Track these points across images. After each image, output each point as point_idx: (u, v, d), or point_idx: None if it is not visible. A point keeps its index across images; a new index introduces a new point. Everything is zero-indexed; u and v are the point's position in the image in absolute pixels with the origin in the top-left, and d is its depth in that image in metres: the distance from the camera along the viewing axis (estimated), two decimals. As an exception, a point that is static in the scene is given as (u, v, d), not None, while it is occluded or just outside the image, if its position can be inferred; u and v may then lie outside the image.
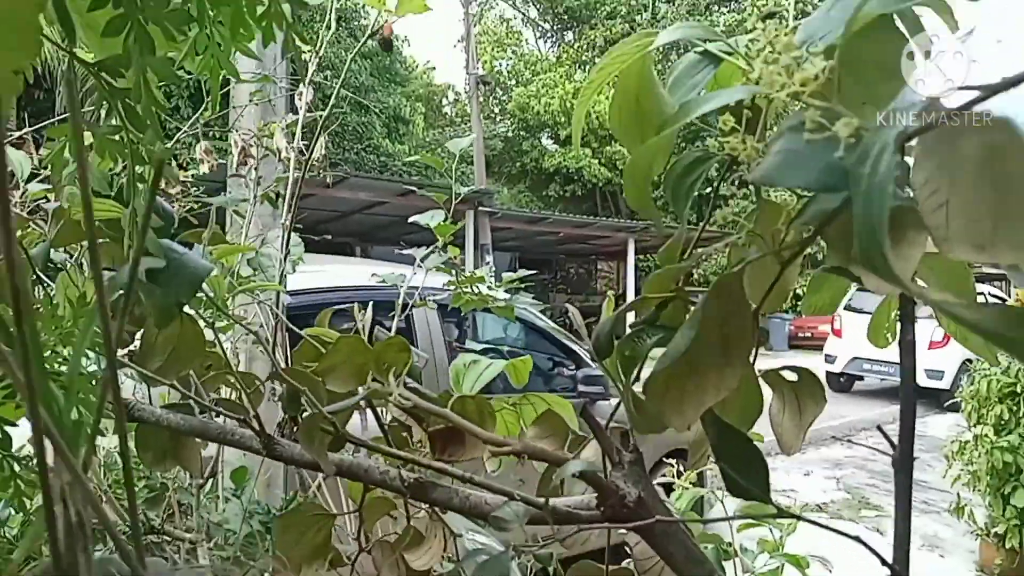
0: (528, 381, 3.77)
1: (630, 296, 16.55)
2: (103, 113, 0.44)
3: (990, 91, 0.31)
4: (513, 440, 0.72)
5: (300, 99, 1.44)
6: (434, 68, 24.93)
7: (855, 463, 6.58)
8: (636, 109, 0.45)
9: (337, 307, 1.10)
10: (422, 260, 1.56)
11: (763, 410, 0.50)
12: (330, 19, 1.36)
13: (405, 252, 1.77)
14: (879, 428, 0.57)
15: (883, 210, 0.29)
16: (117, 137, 0.45)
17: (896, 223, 0.40)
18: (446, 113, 23.66)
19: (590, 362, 4.14)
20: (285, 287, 1.27)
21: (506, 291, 1.92)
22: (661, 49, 0.46)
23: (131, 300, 0.40)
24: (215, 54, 0.54)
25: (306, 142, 1.47)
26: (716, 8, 20.20)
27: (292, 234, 1.47)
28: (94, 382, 0.50)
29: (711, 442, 0.45)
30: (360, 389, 0.73)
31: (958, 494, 4.02)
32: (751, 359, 0.45)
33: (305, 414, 0.69)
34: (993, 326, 0.30)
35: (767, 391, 0.51)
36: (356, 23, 16.17)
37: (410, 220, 1.51)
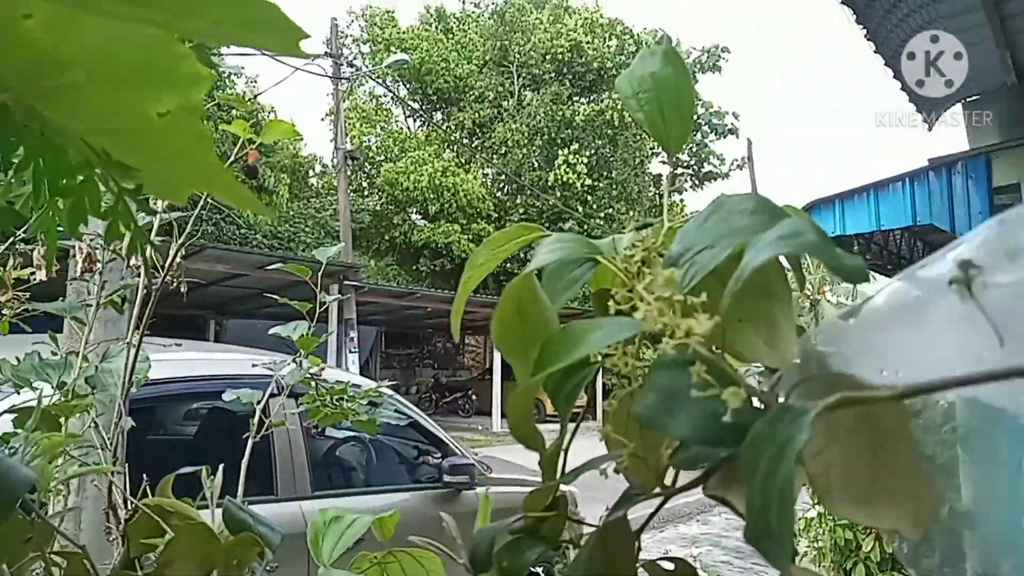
0: (388, 468, 3.59)
1: (496, 371, 16.60)
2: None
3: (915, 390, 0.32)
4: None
5: (156, 201, 1.34)
6: (302, 139, 24.62)
7: (711, 539, 6.79)
8: (520, 324, 0.43)
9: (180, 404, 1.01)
10: (279, 371, 1.48)
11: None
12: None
13: (271, 332, 1.67)
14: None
15: (786, 521, 0.28)
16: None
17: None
18: (312, 184, 23.30)
19: (456, 450, 4.06)
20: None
21: (368, 402, 1.85)
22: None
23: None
24: (53, 213, 0.48)
25: (164, 238, 1.38)
26: (578, 98, 21.36)
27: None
28: None
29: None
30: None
31: (806, 569, 4.22)
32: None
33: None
34: None
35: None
36: (220, 92, 15.79)
37: (270, 332, 1.43)
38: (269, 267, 1.83)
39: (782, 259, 0.43)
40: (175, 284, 1.38)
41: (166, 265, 1.38)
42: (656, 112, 0.52)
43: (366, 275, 16.59)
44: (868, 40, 4.59)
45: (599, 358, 0.42)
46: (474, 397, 18.92)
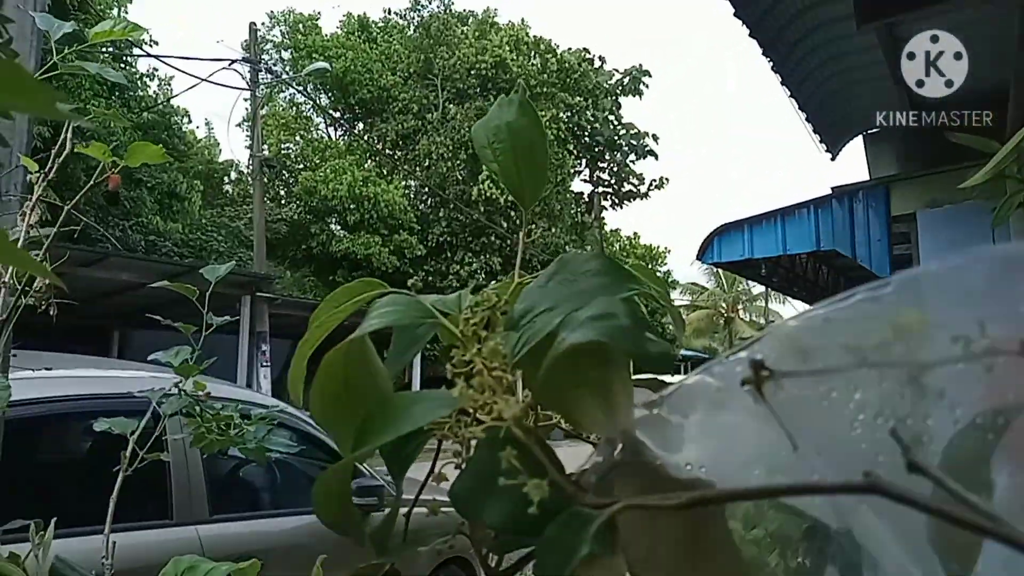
0: (294, 489, 3.48)
1: (415, 386, 16.42)
2: None
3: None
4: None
5: (23, 219, 1.26)
6: (217, 145, 23.91)
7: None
8: (344, 389, 0.41)
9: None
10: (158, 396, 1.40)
11: None
12: (65, 137, 1.22)
13: (150, 359, 1.59)
14: None
15: None
16: None
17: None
18: (227, 192, 22.60)
19: (364, 471, 3.97)
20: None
21: (262, 427, 1.78)
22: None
23: None
24: None
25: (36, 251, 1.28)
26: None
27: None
28: None
29: None
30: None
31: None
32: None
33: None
34: None
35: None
36: (132, 93, 15.18)
37: (149, 359, 1.36)
38: (154, 284, 1.75)
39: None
40: (43, 306, 1.29)
41: (39, 286, 1.29)
42: (511, 163, 0.51)
43: (281, 286, 16.18)
44: (774, 72, 4.79)
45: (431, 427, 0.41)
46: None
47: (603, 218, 23.33)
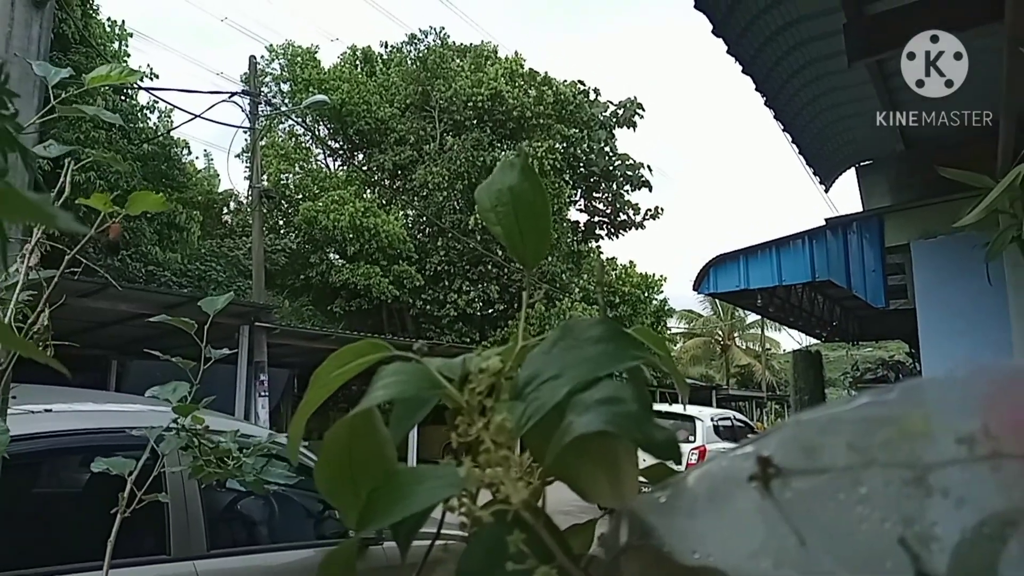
0: (292, 523, 3.44)
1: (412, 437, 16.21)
2: None
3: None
4: None
5: (23, 261, 1.28)
6: (216, 176, 24.04)
7: None
8: (348, 462, 0.42)
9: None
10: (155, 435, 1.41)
11: None
12: (64, 183, 1.25)
13: (148, 394, 1.60)
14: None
15: None
16: None
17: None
18: (226, 222, 22.65)
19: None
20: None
21: (259, 456, 1.79)
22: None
23: None
24: None
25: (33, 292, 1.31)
26: (499, 144, 21.67)
27: None
28: None
29: None
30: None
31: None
32: None
33: None
34: None
35: None
36: (132, 126, 15.29)
37: (146, 394, 1.37)
38: (153, 319, 1.75)
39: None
40: (41, 347, 1.31)
41: (38, 326, 1.31)
42: (513, 226, 0.52)
43: (279, 316, 16.15)
44: (767, 107, 4.85)
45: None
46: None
47: (604, 265, 23.30)
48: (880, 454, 0.31)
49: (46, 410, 2.76)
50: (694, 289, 7.13)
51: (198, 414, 1.50)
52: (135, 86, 14.08)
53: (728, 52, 4.05)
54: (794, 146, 5.67)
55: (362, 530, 0.38)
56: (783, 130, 5.37)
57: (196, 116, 9.61)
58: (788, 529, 0.32)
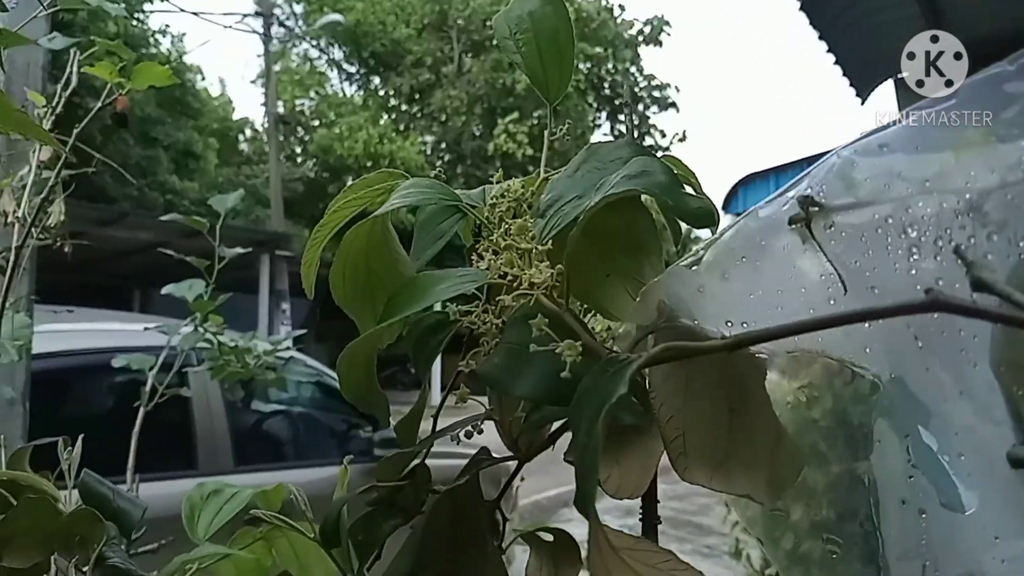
0: (317, 442, 3.58)
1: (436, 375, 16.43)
2: None
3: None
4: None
5: (34, 156, 1.21)
6: (231, 103, 23.77)
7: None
8: (365, 272, 0.41)
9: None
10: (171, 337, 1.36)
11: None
12: (70, 74, 1.17)
13: (164, 292, 1.56)
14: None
15: (592, 475, 0.27)
16: None
17: (633, 433, 0.38)
18: (242, 150, 22.51)
19: (387, 423, 3.99)
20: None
21: (279, 356, 1.76)
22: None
23: None
24: None
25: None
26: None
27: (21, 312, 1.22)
28: None
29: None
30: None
31: (736, 538, 4.29)
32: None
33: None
34: None
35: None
36: (144, 51, 15.06)
37: (163, 291, 1.33)
38: (164, 218, 1.72)
39: (653, 213, 0.40)
40: (57, 244, 1.26)
41: (52, 221, 1.26)
42: (534, 54, 0.49)
43: (300, 244, 16.23)
44: (802, 11, 4.61)
45: (457, 316, 0.40)
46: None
47: (633, 87, 22.81)
48: (934, 183, 0.30)
49: (68, 311, 2.84)
50: (723, 208, 6.99)
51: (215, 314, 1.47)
52: (145, 8, 13.82)
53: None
54: (830, 55, 5.41)
55: (384, 322, 0.36)
56: (819, 37, 5.11)
57: (225, 26, 9.37)
58: (829, 282, 0.30)
